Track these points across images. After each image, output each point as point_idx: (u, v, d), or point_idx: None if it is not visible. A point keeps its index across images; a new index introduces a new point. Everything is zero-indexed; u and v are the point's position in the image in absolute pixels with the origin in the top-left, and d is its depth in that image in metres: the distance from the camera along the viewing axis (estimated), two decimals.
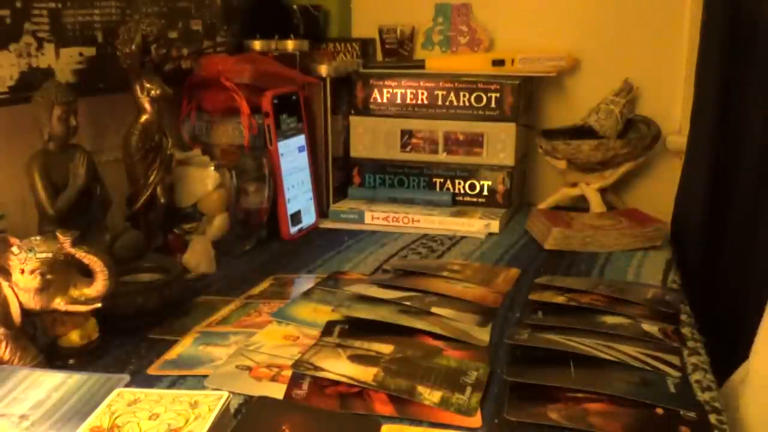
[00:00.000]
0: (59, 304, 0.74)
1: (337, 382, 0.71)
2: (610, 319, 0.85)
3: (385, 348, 0.78)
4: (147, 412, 0.60)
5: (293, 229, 1.22)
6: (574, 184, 1.37)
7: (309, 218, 1.27)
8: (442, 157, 1.35)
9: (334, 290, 0.96)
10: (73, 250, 0.73)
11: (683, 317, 0.88)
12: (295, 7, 1.47)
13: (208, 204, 1.11)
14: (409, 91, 1.35)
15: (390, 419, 0.66)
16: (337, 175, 1.37)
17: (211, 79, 1.21)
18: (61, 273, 0.73)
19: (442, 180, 1.36)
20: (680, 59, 1.36)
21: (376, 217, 1.29)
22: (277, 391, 0.70)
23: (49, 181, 0.88)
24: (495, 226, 1.25)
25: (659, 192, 1.38)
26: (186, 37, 1.25)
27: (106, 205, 0.97)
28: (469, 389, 0.70)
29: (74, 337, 0.78)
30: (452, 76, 1.34)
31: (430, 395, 0.69)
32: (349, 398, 0.69)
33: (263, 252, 1.16)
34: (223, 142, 1.24)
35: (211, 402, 0.61)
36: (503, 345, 0.80)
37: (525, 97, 1.36)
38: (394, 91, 1.36)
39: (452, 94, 1.33)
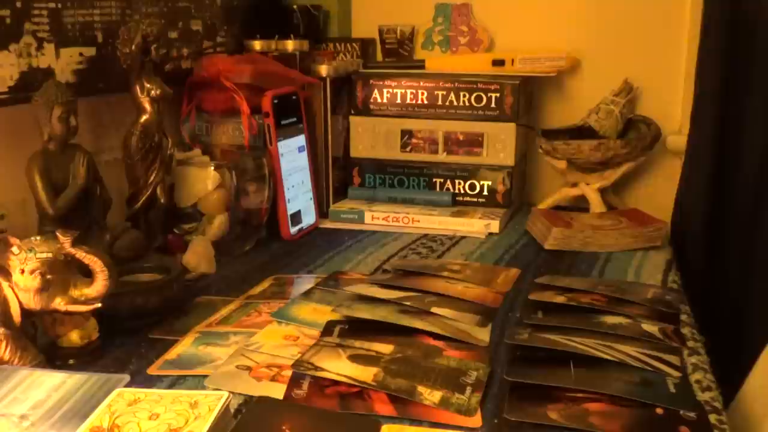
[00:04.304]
0: (59, 304, 0.74)
1: (337, 382, 0.71)
2: (610, 319, 0.84)
3: (385, 348, 0.78)
4: (147, 412, 0.60)
5: (293, 229, 1.22)
6: (574, 184, 1.37)
7: (309, 218, 1.27)
8: (442, 157, 1.35)
9: (334, 290, 0.96)
10: (73, 250, 0.73)
11: (683, 317, 0.88)
12: (295, 7, 1.47)
13: (208, 204, 1.11)
14: (409, 91, 1.35)
15: (390, 419, 0.66)
16: (337, 175, 1.37)
17: (211, 79, 1.21)
18: (61, 273, 0.73)
19: (442, 180, 1.36)
20: (680, 59, 1.36)
21: (376, 217, 1.29)
22: (277, 391, 0.70)
23: (49, 181, 0.88)
24: (495, 226, 1.25)
25: (659, 192, 1.38)
26: (186, 37, 1.25)
27: (106, 205, 0.97)
28: (469, 389, 0.70)
29: (74, 337, 0.78)
30: (452, 76, 1.34)
31: (430, 395, 0.69)
32: (349, 398, 0.69)
33: (263, 252, 1.16)
34: (223, 142, 1.24)
35: (211, 402, 0.61)
36: (503, 345, 0.80)
37: (525, 97, 1.36)
38: (394, 91, 1.36)
39: (452, 94, 1.33)
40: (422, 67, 1.43)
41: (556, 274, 1.03)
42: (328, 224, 1.30)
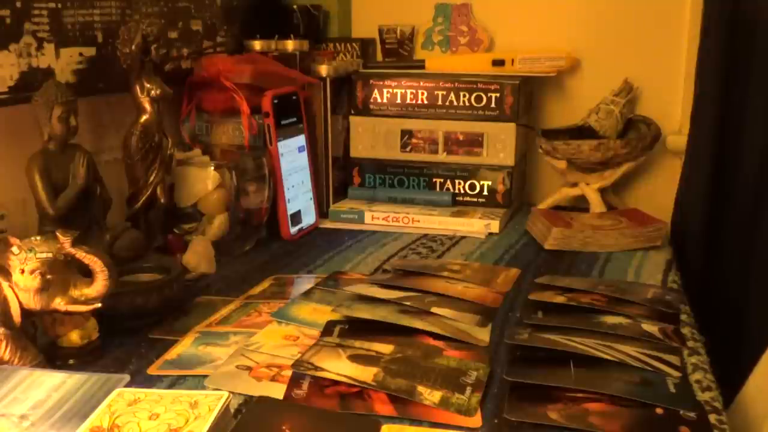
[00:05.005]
0: (59, 304, 0.74)
1: (337, 382, 0.71)
2: (610, 319, 0.85)
3: (385, 348, 0.78)
4: (147, 412, 0.60)
5: (293, 229, 1.22)
6: (574, 184, 1.37)
7: (309, 218, 1.27)
8: (442, 157, 1.35)
9: (334, 290, 0.96)
10: (73, 250, 0.73)
11: (683, 317, 0.88)
12: (295, 7, 1.47)
13: (208, 204, 1.11)
14: (409, 91, 1.35)
15: (390, 419, 0.66)
16: (337, 175, 1.37)
17: (211, 79, 1.21)
18: (61, 273, 0.73)
19: (442, 180, 1.36)
20: (680, 59, 1.36)
21: (376, 217, 1.29)
22: (277, 391, 0.70)
23: (49, 181, 0.88)
24: (495, 226, 1.25)
25: (659, 192, 1.38)
26: (186, 37, 1.25)
27: (106, 205, 0.97)
28: (469, 389, 0.70)
29: (74, 337, 0.78)
30: (452, 76, 1.34)
31: (430, 395, 0.69)
32: (349, 398, 0.69)
33: (263, 252, 1.16)
34: (223, 142, 1.24)
35: (211, 402, 0.61)
36: (503, 345, 0.80)
37: (525, 97, 1.36)
38: (394, 91, 1.36)
39: (452, 94, 1.33)
40: (422, 67, 1.43)
41: (556, 274, 1.03)
42: (328, 224, 1.30)
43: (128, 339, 0.82)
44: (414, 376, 0.72)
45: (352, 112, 1.38)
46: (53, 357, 0.77)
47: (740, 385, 0.90)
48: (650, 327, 0.83)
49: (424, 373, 0.72)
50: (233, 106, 1.20)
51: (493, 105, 1.31)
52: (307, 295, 0.95)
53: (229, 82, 1.19)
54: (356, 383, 0.70)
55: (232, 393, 0.66)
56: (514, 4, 1.45)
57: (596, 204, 1.33)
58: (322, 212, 1.32)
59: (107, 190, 0.97)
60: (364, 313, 0.85)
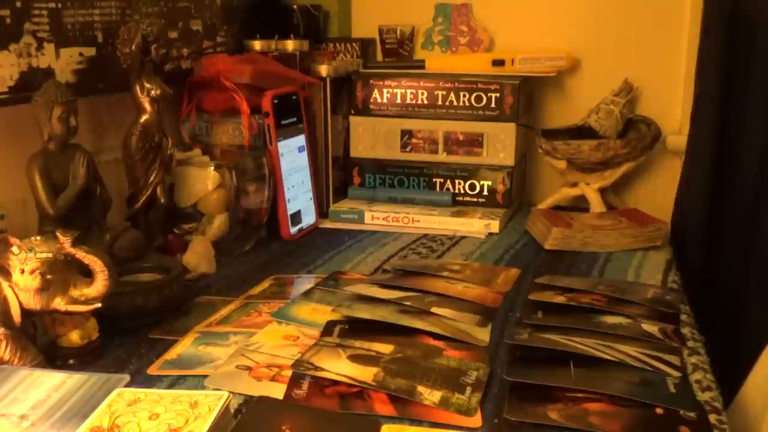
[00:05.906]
0: (59, 304, 0.74)
1: (337, 382, 0.71)
2: (610, 319, 0.85)
3: (385, 348, 0.78)
4: (147, 412, 0.60)
5: (293, 229, 1.22)
6: (574, 184, 1.37)
7: (309, 218, 1.27)
8: (442, 157, 1.35)
9: (334, 290, 0.96)
10: (73, 250, 0.73)
11: (683, 317, 0.88)
12: (295, 7, 1.47)
13: (208, 204, 1.11)
14: (409, 91, 1.35)
15: (390, 419, 0.66)
16: (337, 175, 1.37)
17: (211, 79, 1.21)
18: (61, 273, 0.73)
19: (442, 180, 1.36)
20: (680, 59, 1.36)
21: (376, 217, 1.29)
22: (277, 391, 0.70)
23: (49, 181, 0.88)
24: (495, 226, 1.25)
25: (659, 192, 1.38)
26: (186, 37, 1.25)
27: (106, 205, 0.97)
28: (469, 389, 0.70)
29: (74, 337, 0.78)
30: (452, 76, 1.34)
31: (430, 395, 0.69)
32: (349, 398, 0.69)
33: (263, 252, 1.16)
34: (223, 142, 1.24)
35: (211, 402, 0.61)
36: (503, 345, 0.80)
37: (525, 97, 1.36)
38: (394, 91, 1.36)
39: (452, 94, 1.33)
40: (422, 67, 1.43)
41: (556, 274, 1.03)
42: (328, 224, 1.30)
43: (128, 339, 0.82)
44: (414, 376, 0.72)
45: (352, 112, 1.38)
46: (53, 357, 0.77)
47: (740, 384, 0.90)
48: (650, 327, 0.83)
49: (424, 373, 0.72)
50: (233, 106, 1.20)
51: (493, 105, 1.31)
52: (307, 295, 0.95)
53: (229, 82, 1.19)
54: (356, 383, 0.70)
55: (232, 393, 0.66)
56: (514, 4, 1.45)
57: (596, 204, 1.33)
58: (322, 212, 1.32)
59: (107, 190, 0.97)
60: (364, 313, 0.85)
